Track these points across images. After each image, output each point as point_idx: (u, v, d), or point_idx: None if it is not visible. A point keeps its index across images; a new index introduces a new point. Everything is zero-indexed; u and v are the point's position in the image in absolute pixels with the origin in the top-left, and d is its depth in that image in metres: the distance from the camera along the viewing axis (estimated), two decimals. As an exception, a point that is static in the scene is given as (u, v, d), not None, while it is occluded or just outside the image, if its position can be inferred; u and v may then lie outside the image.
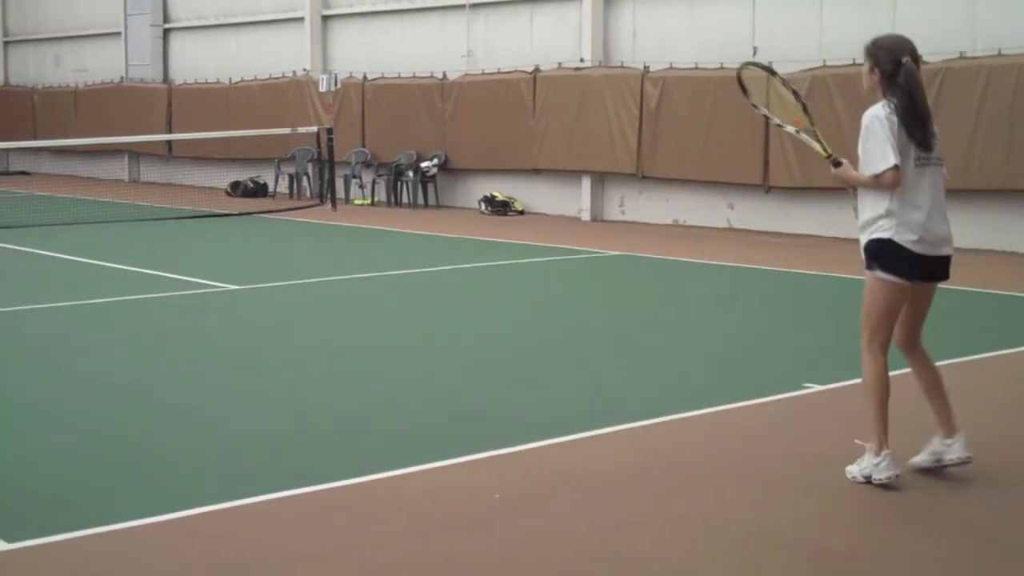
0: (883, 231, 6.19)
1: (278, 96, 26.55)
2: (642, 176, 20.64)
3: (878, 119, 6.16)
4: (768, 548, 5.44)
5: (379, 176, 24.81)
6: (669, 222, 20.61)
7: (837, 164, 6.40)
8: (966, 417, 6.61)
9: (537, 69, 22.05)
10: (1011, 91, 16.36)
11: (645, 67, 20.44)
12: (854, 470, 6.27)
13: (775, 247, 17.54)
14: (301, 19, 26.86)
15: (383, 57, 25.01)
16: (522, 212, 22.51)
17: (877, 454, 6.15)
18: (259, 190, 26.63)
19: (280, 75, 26.90)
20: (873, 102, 6.33)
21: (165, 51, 30.77)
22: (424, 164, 23.73)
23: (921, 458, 6.41)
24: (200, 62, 29.51)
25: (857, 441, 6.35)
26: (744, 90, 7.02)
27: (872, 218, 6.25)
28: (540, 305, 12.79)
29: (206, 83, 28.78)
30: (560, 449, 6.99)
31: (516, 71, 22.40)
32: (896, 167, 6.07)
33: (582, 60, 21.56)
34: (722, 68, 19.34)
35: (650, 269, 15.51)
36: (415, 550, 5.40)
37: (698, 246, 17.47)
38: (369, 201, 24.80)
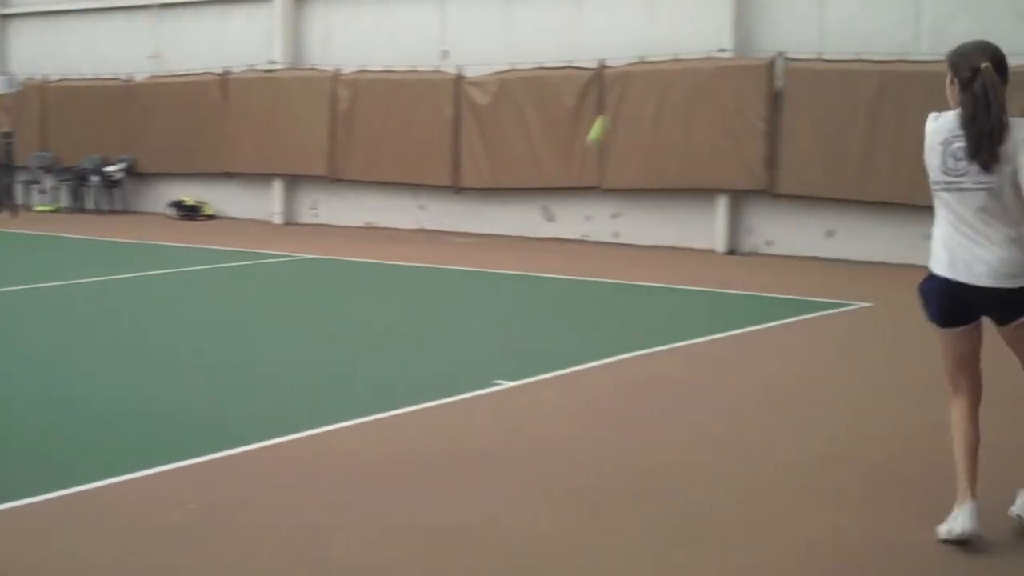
0: None
1: (-49, 98, 25.32)
2: (334, 179, 20.63)
3: (929, 128, 5.47)
4: (470, 544, 5.53)
5: (62, 181, 23.95)
6: (362, 224, 20.65)
7: None
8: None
9: (227, 71, 21.73)
10: (686, 94, 17.07)
11: (336, 70, 20.43)
12: (941, 530, 5.47)
13: (465, 247, 17.83)
14: (-25, 18, 25.71)
15: (66, 58, 24.12)
16: (212, 216, 22.13)
17: (958, 504, 5.44)
18: (-68, 196, 25.33)
19: (-47, 76, 25.67)
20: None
21: None
22: (109, 168, 23.04)
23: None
24: None
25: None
26: None
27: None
28: (228, 311, 12.62)
29: None
30: (256, 455, 6.93)
31: (206, 73, 22.01)
32: None
33: (273, 62, 21.38)
34: (413, 71, 19.53)
35: (341, 272, 15.53)
36: (119, 563, 5.26)
37: (390, 247, 17.59)
38: (52, 207, 23.91)
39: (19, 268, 15.74)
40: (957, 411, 5.53)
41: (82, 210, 23.41)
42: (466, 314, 12.36)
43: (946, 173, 5.33)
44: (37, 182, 24.08)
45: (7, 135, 22.97)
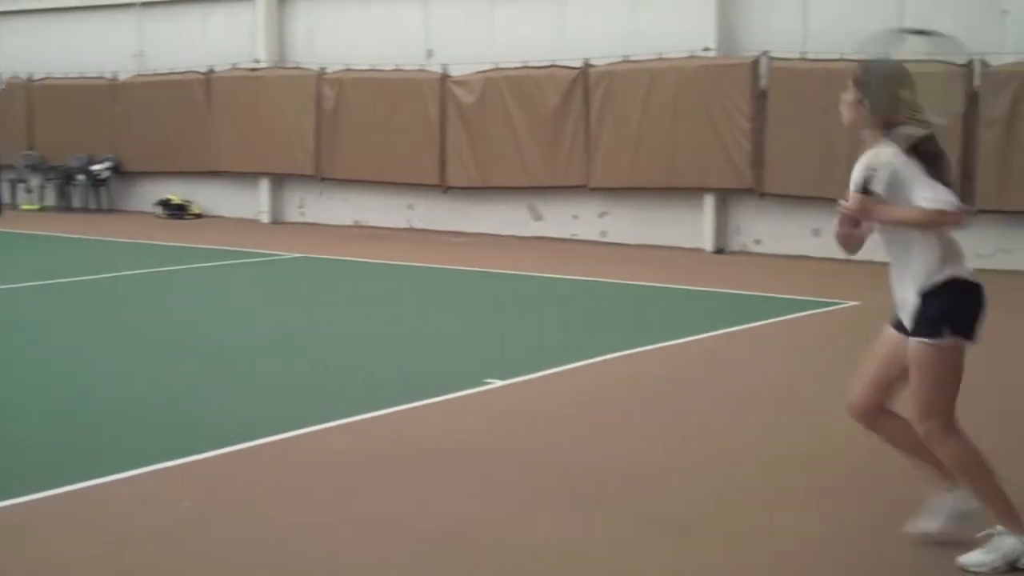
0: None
1: (-65, 97, 25.23)
2: (321, 178, 20.63)
3: (901, 160, 5.18)
4: (460, 547, 5.58)
5: (48, 180, 23.92)
6: (350, 223, 20.66)
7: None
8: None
9: (211, 70, 21.72)
10: (671, 93, 17.13)
11: (321, 68, 20.44)
12: (992, 560, 5.13)
13: (454, 246, 17.86)
14: (-41, 16, 25.65)
15: (50, 57, 24.07)
16: (199, 215, 22.13)
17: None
18: (-83, 196, 25.27)
19: (-63, 75, 25.59)
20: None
21: None
22: (95, 167, 23.02)
23: (934, 525, 5.45)
24: None
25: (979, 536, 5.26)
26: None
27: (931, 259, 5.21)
28: (216, 310, 12.64)
29: None
30: (241, 456, 6.96)
31: (190, 71, 21.99)
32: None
33: (257, 61, 21.37)
34: (398, 70, 19.55)
35: (329, 271, 15.56)
36: (103, 562, 5.30)
37: (378, 246, 17.61)
38: (38, 206, 23.87)
39: (5, 267, 15.73)
40: (965, 436, 5.18)
41: (68, 209, 23.39)
42: (456, 313, 12.39)
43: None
44: (23, 181, 24.04)
45: (-8, 134, 22.93)
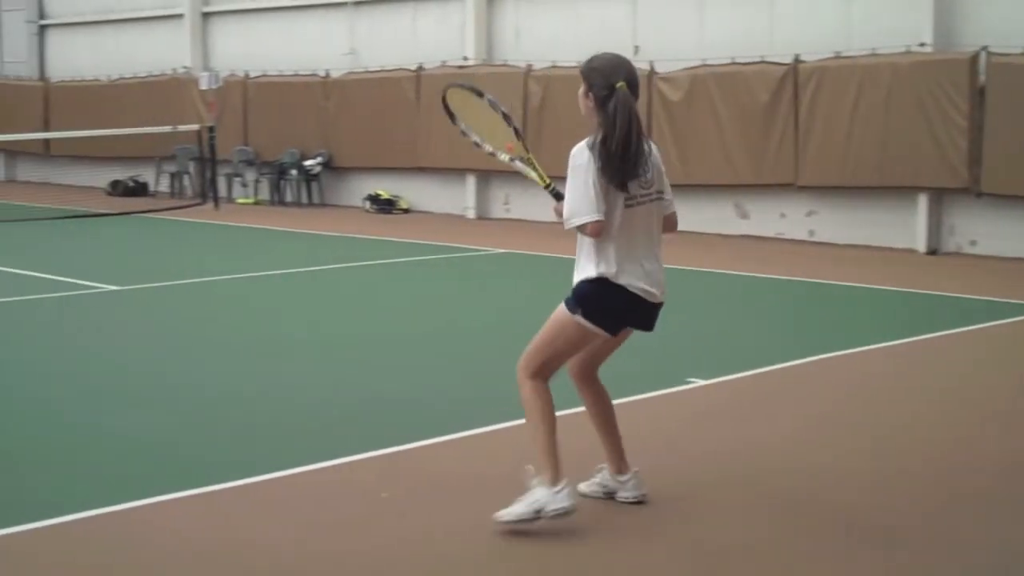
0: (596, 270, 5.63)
1: (158, 94, 26.15)
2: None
3: (583, 159, 5.57)
4: (646, 542, 5.49)
5: (262, 175, 24.61)
6: (554, 220, 20.64)
7: (559, 197, 5.79)
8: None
9: (421, 67, 22.02)
10: (885, 90, 16.70)
11: (528, 66, 20.53)
12: (517, 510, 5.53)
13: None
14: (181, 16, 26.53)
15: (265, 55, 24.79)
16: (407, 210, 22.47)
17: (554, 484, 5.51)
18: (139, 189, 26.26)
19: (160, 73, 26.53)
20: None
21: (41, 48, 30.18)
22: (307, 162, 23.59)
23: (589, 487, 6.04)
24: (78, 59, 28.98)
25: (528, 467, 5.65)
26: (450, 115, 6.29)
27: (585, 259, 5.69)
28: (427, 303, 12.79)
29: (84, 81, 28.26)
30: (447, 448, 7.01)
31: (399, 69, 22.34)
32: (599, 220, 5.52)
33: (465, 58, 21.59)
34: (605, 67, 19.47)
35: (536, 267, 15.58)
36: (301, 551, 5.37)
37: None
38: (252, 200, 24.58)
39: (225, 258, 16.20)
40: (549, 394, 5.68)
41: (281, 203, 24.01)
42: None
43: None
44: (239, 175, 24.77)
45: (210, 130, 23.66)
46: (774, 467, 6.63)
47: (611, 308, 5.62)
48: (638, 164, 5.57)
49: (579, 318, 5.61)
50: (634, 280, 5.60)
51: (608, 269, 5.58)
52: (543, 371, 5.70)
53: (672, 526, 5.72)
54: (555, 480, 5.52)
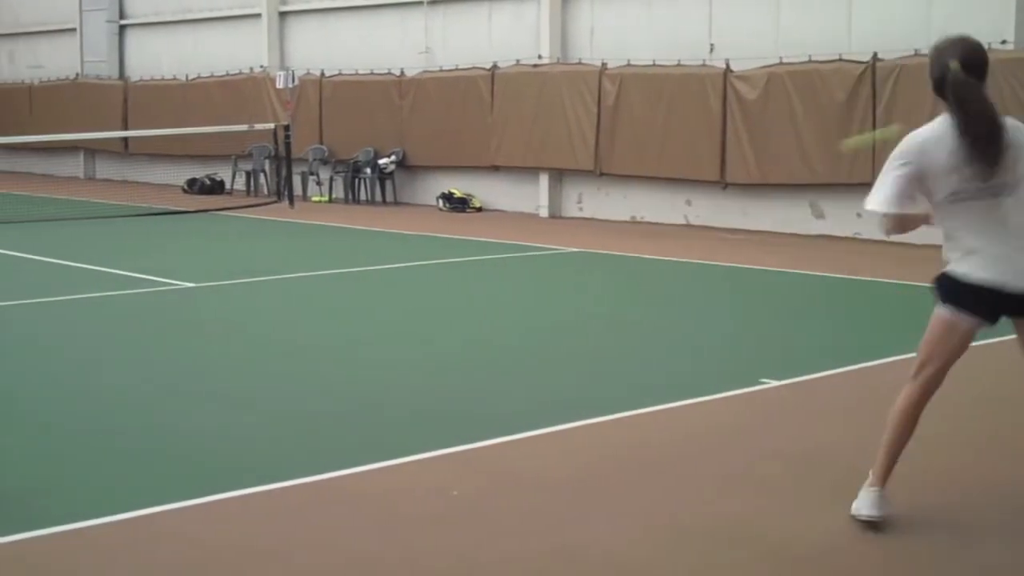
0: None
1: (235, 93, 26.42)
2: (600, 173, 20.68)
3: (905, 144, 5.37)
4: (728, 545, 5.46)
5: (337, 173, 24.75)
6: (627, 219, 20.65)
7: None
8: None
9: (495, 66, 22.04)
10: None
11: (603, 64, 20.48)
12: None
13: (732, 243, 17.62)
14: (258, 16, 26.76)
15: (341, 54, 24.95)
16: (480, 209, 22.51)
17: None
18: (216, 187, 26.51)
19: (237, 72, 26.78)
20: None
21: (121, 47, 30.57)
22: (382, 161, 23.70)
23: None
24: (157, 59, 29.33)
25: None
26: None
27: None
28: (500, 302, 12.80)
29: (162, 80, 28.59)
30: (522, 446, 7.00)
31: (474, 68, 22.39)
32: (886, 214, 5.42)
33: (540, 57, 21.58)
34: (679, 65, 19.41)
35: (609, 266, 15.54)
36: (375, 548, 5.39)
37: (656, 243, 17.52)
38: (327, 198, 24.73)
39: (301, 256, 16.32)
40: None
41: (355, 201, 24.14)
42: (732, 310, 12.19)
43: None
44: (314, 173, 24.93)
45: (286, 128, 23.84)
46: (849, 464, 6.56)
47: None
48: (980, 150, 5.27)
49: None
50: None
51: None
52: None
53: (744, 522, 5.68)
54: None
